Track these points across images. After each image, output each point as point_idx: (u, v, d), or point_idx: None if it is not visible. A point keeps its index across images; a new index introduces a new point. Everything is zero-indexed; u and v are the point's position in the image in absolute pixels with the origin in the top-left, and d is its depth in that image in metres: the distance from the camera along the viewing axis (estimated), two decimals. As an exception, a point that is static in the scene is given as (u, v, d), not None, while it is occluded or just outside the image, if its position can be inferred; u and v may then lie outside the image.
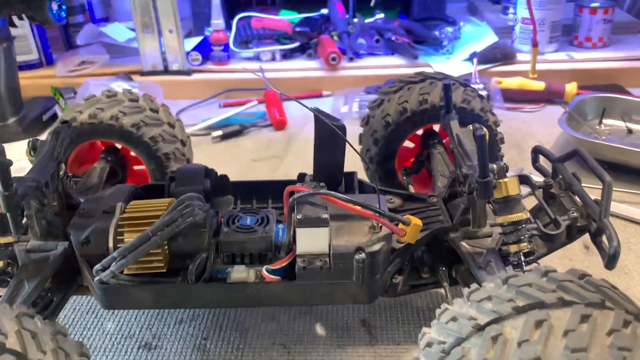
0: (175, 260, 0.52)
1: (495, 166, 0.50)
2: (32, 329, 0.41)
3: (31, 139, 0.58)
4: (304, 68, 1.26)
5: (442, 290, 0.58)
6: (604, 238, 0.51)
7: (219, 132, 1.05)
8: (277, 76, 1.22)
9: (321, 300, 0.55)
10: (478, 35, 1.26)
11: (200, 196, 0.53)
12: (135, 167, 0.76)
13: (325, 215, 0.49)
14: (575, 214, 0.55)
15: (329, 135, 0.53)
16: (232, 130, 1.06)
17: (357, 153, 0.55)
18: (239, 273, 0.51)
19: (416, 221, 0.51)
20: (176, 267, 0.53)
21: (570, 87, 1.10)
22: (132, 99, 0.73)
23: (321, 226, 0.49)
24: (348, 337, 0.60)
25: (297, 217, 0.49)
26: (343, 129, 0.52)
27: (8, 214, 0.49)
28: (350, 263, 0.49)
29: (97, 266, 0.49)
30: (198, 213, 0.51)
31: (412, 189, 0.72)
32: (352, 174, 0.63)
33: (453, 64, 1.22)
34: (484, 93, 1.08)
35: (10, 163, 0.47)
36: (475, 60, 1.19)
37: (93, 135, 0.70)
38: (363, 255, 0.49)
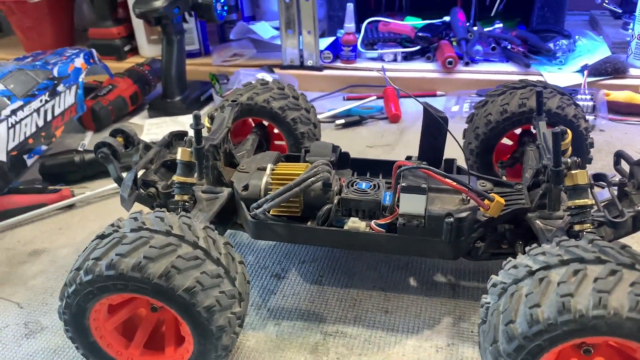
0: (307, 208, 0.70)
1: (569, 160, 0.62)
2: (213, 237, 0.59)
3: (211, 112, 0.79)
4: (422, 69, 1.39)
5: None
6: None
7: (342, 121, 1.22)
8: (396, 75, 1.37)
9: (415, 252, 0.69)
10: (592, 49, 1.32)
11: (329, 163, 0.69)
12: (277, 142, 0.95)
13: (424, 185, 0.64)
14: (640, 207, 0.65)
15: (433, 124, 0.67)
16: (352, 120, 1.23)
17: (455, 140, 0.68)
18: (354, 223, 0.67)
19: (499, 199, 0.64)
20: (307, 215, 0.70)
21: (679, 104, 1.14)
22: (279, 87, 0.91)
23: (420, 193, 0.64)
24: (435, 289, 0.74)
25: (402, 184, 0.64)
26: (445, 120, 0.66)
27: (197, 162, 0.69)
28: (441, 225, 0.63)
29: (253, 205, 0.68)
30: (326, 175, 0.67)
31: (505, 179, 0.84)
32: (452, 160, 0.76)
33: (564, 74, 1.29)
34: (590, 104, 1.16)
35: (203, 126, 0.67)
36: (585, 72, 1.25)
37: (249, 114, 0.89)
38: (452, 219, 0.63)
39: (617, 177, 0.71)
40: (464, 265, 0.78)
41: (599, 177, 0.72)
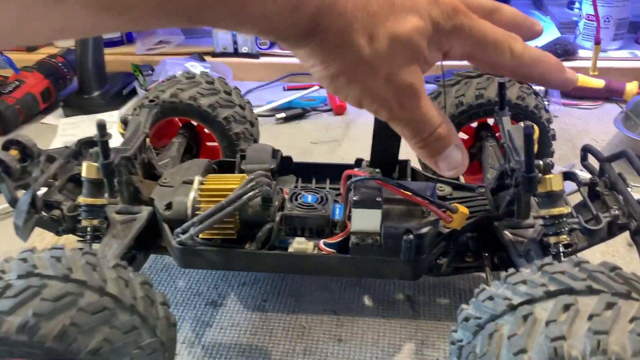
0: (245, 228, 0.59)
1: (541, 162, 0.54)
2: (126, 278, 0.48)
3: (123, 115, 0.66)
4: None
5: (483, 274, 0.62)
6: (643, 237, 0.55)
7: (283, 115, 1.12)
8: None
9: (370, 274, 0.60)
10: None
11: (268, 174, 0.59)
12: (208, 144, 0.84)
13: (379, 198, 0.54)
14: (616, 211, 0.58)
15: (386, 126, 0.57)
16: (294, 113, 1.12)
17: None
18: (300, 244, 0.58)
19: (463, 209, 0.56)
20: (245, 235, 0.59)
21: (631, 86, 1.10)
22: (208, 81, 0.80)
23: (375, 208, 0.54)
24: (393, 309, 0.65)
25: (354, 198, 0.54)
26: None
27: (105, 180, 0.57)
28: (399, 243, 0.55)
29: (178, 229, 0.56)
30: (266, 189, 0.57)
31: (462, 179, 0.76)
32: (405, 162, 0.67)
33: (513, 57, 1.23)
34: (542, 88, 1.10)
35: (110, 136, 0.55)
36: (536, 54, 1.19)
37: (173, 113, 0.77)
38: (411, 236, 0.54)
39: (575, 168, 0.65)
40: (422, 277, 0.69)
41: (567, 176, 0.65)
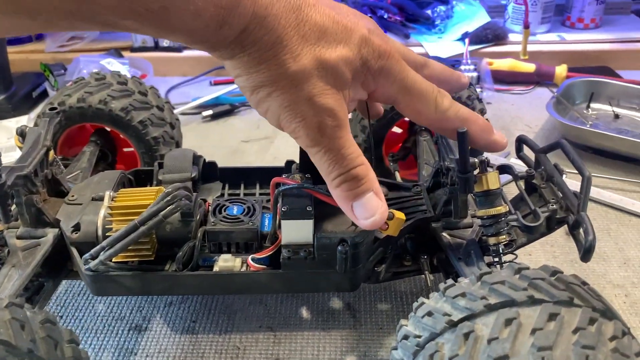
0: (164, 247, 0.54)
1: (476, 160, 0.51)
2: (21, 319, 0.42)
3: (20, 126, 0.59)
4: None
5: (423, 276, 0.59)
6: (581, 231, 0.53)
7: (209, 112, 1.05)
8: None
9: (305, 289, 0.56)
10: (470, 15, 1.25)
11: (187, 186, 0.54)
12: (125, 149, 0.77)
13: (310, 208, 0.50)
14: (554, 206, 0.56)
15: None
16: (222, 110, 1.06)
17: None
18: (226, 262, 0.53)
19: (399, 215, 0.52)
20: (164, 254, 0.54)
21: (560, 70, 1.11)
22: (120, 81, 0.73)
23: (305, 218, 0.50)
24: (333, 320, 0.62)
25: (282, 209, 0.50)
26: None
27: (-3, 203, 0.50)
28: (334, 254, 0.51)
29: (86, 255, 0.50)
30: (185, 203, 0.52)
31: (398, 175, 0.73)
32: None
33: (445, 44, 1.22)
34: (474, 74, 1.09)
35: (-2, 155, 0.48)
36: (466, 40, 1.18)
37: (82, 119, 0.70)
38: (346, 246, 0.50)
39: (510, 156, 0.63)
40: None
41: (504, 170, 0.63)
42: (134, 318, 0.62)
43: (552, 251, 0.71)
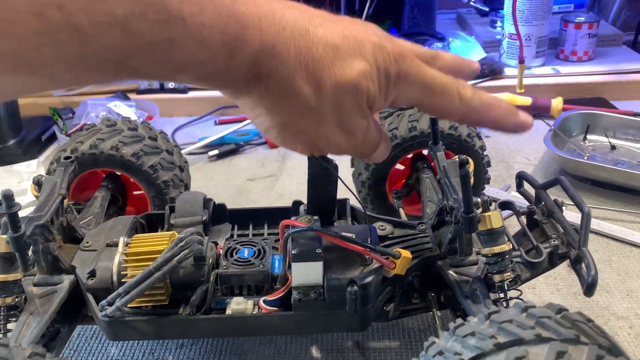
0: (177, 291, 0.55)
1: (479, 200, 0.53)
2: (44, 368, 0.43)
3: (36, 176, 0.61)
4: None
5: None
6: (583, 266, 0.55)
7: (215, 151, 1.08)
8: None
9: (316, 329, 0.57)
10: (466, 51, 1.29)
11: (199, 230, 0.55)
12: (135, 192, 0.79)
13: (319, 250, 0.52)
14: (556, 241, 0.58)
15: (322, 173, 0.55)
16: (227, 149, 1.09)
17: (352, 193, 0.58)
18: (238, 305, 0.54)
19: (406, 254, 0.54)
20: (178, 297, 0.55)
21: (556, 102, 1.13)
22: (131, 127, 0.75)
23: (315, 260, 0.52)
24: (342, 359, 0.62)
25: (292, 252, 0.52)
26: (336, 167, 0.54)
27: (17, 254, 0.52)
28: (344, 295, 0.52)
29: (103, 302, 0.52)
30: (198, 248, 0.53)
31: (402, 212, 0.75)
32: (344, 201, 0.65)
33: (443, 79, 1.24)
34: (472, 109, 1.11)
35: (19, 207, 0.50)
36: (464, 75, 1.21)
37: (94, 165, 0.72)
38: (355, 287, 0.52)
39: (511, 189, 0.65)
40: (371, 320, 0.67)
41: (505, 205, 0.65)
42: (146, 361, 0.63)
43: (555, 284, 0.72)
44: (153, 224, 0.66)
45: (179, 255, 0.52)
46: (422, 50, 0.43)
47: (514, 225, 0.84)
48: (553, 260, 0.59)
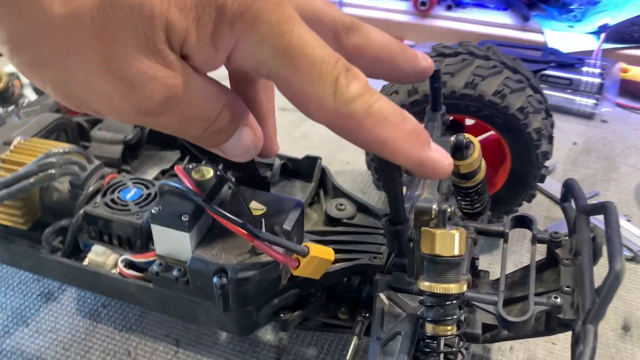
0: (48, 217, 0.45)
1: (434, 206, 0.33)
2: None
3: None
4: (389, 8, 1.07)
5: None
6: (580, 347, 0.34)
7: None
8: (356, 12, 1.05)
9: (181, 315, 0.44)
10: (619, 4, 0.97)
11: (83, 152, 0.44)
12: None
13: (186, 218, 0.37)
14: (559, 300, 0.37)
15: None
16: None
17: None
18: (96, 256, 0.42)
19: (321, 253, 0.37)
20: (49, 222, 0.45)
21: None
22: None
23: (178, 229, 0.37)
24: (252, 354, 0.49)
25: (152, 210, 0.37)
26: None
27: None
28: (210, 284, 0.38)
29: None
30: (73, 169, 0.42)
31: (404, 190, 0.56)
32: (314, 160, 0.49)
33: (574, 35, 0.95)
34: (596, 81, 0.83)
35: None
36: (602, 35, 0.91)
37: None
38: (224, 279, 0.37)
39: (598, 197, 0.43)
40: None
41: (522, 221, 0.44)
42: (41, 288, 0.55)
43: (552, 348, 0.50)
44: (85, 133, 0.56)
45: (38, 177, 0.41)
46: (319, 6, 0.26)
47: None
48: (551, 325, 0.38)
